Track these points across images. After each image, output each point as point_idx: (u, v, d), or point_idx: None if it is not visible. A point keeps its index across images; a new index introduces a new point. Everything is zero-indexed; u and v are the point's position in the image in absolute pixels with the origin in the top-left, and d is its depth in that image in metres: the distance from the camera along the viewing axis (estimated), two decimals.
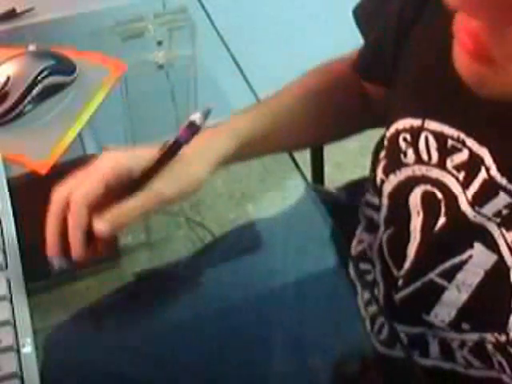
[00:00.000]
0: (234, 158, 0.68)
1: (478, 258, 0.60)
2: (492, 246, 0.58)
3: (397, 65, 0.68)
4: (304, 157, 1.01)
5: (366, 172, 0.87)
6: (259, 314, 0.71)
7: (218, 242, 0.84)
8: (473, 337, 0.63)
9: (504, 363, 0.62)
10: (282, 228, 0.83)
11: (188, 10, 0.95)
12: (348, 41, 0.79)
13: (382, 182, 0.68)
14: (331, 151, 1.08)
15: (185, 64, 0.94)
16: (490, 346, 0.62)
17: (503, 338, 0.60)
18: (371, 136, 0.93)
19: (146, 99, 0.90)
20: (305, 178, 0.81)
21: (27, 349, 0.60)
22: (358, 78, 0.77)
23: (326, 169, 1.09)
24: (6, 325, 0.61)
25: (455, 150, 0.59)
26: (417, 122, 0.63)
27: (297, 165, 0.81)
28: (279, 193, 0.88)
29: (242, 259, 0.80)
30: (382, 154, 0.70)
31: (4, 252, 0.67)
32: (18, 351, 0.60)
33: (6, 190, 0.74)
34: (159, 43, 0.93)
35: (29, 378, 0.58)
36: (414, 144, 0.63)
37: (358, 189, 0.92)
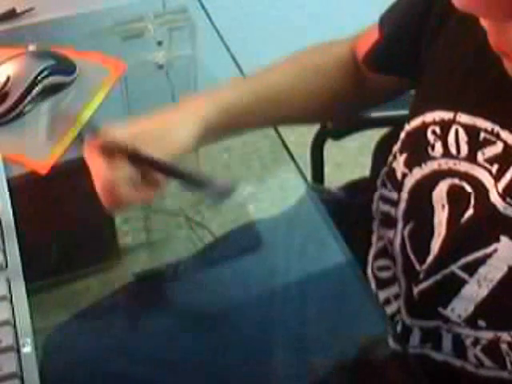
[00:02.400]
0: (219, 129, 0.69)
1: (503, 252, 0.59)
2: None
3: (421, 60, 0.68)
4: (304, 157, 1.01)
5: (366, 172, 0.87)
6: (259, 314, 0.71)
7: (219, 241, 0.84)
8: (488, 335, 0.63)
9: None
10: (283, 228, 0.83)
11: (188, 10, 0.95)
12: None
13: (404, 175, 0.68)
14: (331, 151, 1.08)
15: (185, 64, 0.93)
16: (504, 346, 0.62)
17: None
18: (371, 136, 0.94)
19: (146, 99, 0.90)
20: (305, 178, 0.81)
21: (27, 349, 0.60)
22: (357, 66, 0.77)
23: (326, 169, 1.09)
24: (6, 325, 0.61)
25: (488, 142, 0.60)
26: (448, 115, 0.63)
27: (297, 165, 0.81)
28: (279, 193, 0.88)
29: (242, 259, 0.79)
30: (397, 147, 0.69)
31: (4, 252, 0.67)
32: (18, 351, 0.60)
33: (6, 190, 0.74)
34: (159, 43, 0.93)
35: (29, 378, 0.58)
36: (443, 137, 0.63)
37: (358, 189, 0.92)
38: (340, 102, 0.79)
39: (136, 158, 0.61)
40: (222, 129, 0.69)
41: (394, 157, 0.70)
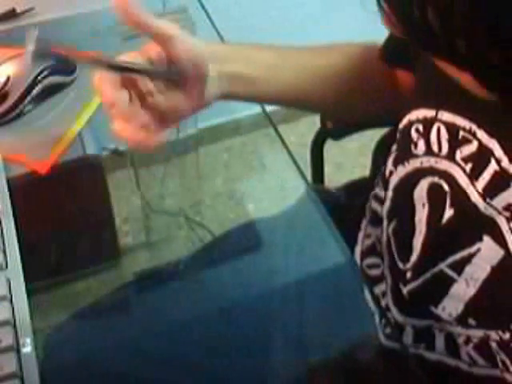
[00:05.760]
0: (243, 82, 0.69)
1: (486, 252, 0.60)
2: (500, 240, 0.58)
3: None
4: (304, 157, 1.01)
5: (366, 172, 0.87)
6: (259, 314, 0.71)
7: (218, 241, 0.84)
8: (478, 333, 0.63)
9: (508, 362, 0.61)
10: (282, 228, 0.83)
11: (188, 10, 0.95)
12: (348, 41, 0.79)
13: (391, 173, 0.69)
14: (331, 151, 1.08)
15: None
16: (493, 344, 0.62)
17: (507, 336, 0.60)
18: (371, 136, 0.94)
19: None
20: (305, 178, 0.81)
21: (27, 349, 0.60)
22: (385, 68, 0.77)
23: (326, 169, 1.09)
24: (6, 325, 0.61)
25: (466, 141, 0.60)
26: (430, 113, 0.63)
27: (297, 165, 0.81)
28: (279, 193, 0.88)
29: (242, 259, 0.80)
30: (394, 147, 0.70)
31: (4, 252, 0.67)
32: (18, 351, 0.60)
33: (6, 190, 0.74)
34: None
35: (29, 378, 0.58)
36: (426, 135, 0.64)
37: (357, 189, 0.92)
38: (372, 93, 0.79)
39: (114, 67, 0.61)
40: (246, 83, 0.70)
41: (390, 155, 0.70)
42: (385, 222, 0.70)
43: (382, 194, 0.72)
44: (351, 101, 0.80)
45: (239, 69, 0.69)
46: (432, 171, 0.63)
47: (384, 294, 0.72)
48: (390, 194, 0.69)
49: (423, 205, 0.65)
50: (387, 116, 0.81)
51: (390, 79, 0.78)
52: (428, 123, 0.63)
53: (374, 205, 0.75)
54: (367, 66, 0.78)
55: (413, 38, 0.47)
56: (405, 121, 0.67)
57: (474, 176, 0.59)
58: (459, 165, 0.61)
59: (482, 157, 0.58)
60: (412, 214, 0.66)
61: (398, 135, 0.69)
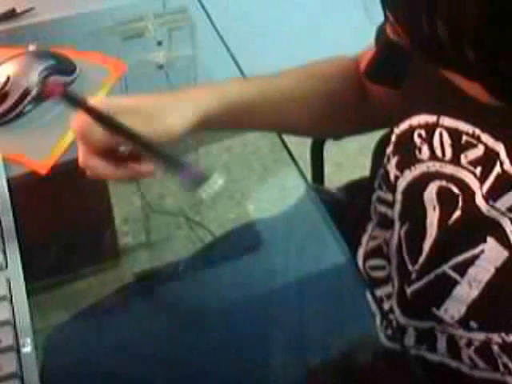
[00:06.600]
0: (217, 122, 0.68)
1: (490, 254, 0.60)
2: (504, 241, 0.59)
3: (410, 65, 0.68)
4: (304, 157, 1.01)
5: (366, 172, 0.87)
6: (259, 314, 0.71)
7: (218, 241, 0.84)
8: (479, 336, 0.63)
9: (510, 365, 0.61)
10: (282, 228, 0.83)
11: (188, 10, 0.95)
12: (347, 41, 0.80)
13: (397, 177, 0.69)
14: (331, 151, 1.08)
15: (185, 64, 0.94)
16: (495, 347, 0.62)
17: (510, 339, 0.60)
18: (371, 136, 0.93)
19: None
20: (305, 178, 0.81)
21: (27, 349, 0.60)
22: (361, 80, 0.77)
23: (326, 169, 1.09)
24: (6, 325, 0.61)
25: (470, 145, 0.60)
26: (432, 119, 0.63)
27: (297, 165, 0.81)
28: (279, 193, 0.88)
29: (242, 259, 0.80)
30: (390, 149, 0.69)
31: (4, 252, 0.67)
32: (18, 351, 0.60)
33: (6, 190, 0.74)
34: (159, 43, 0.93)
35: (29, 378, 0.58)
36: (429, 140, 0.64)
37: (357, 189, 0.92)
38: (344, 114, 0.79)
39: (111, 126, 0.60)
40: (220, 122, 0.68)
41: (388, 159, 0.70)
42: (397, 225, 0.70)
43: (388, 197, 0.72)
44: (337, 123, 0.80)
45: (222, 118, 0.68)
46: (439, 175, 0.64)
47: (389, 296, 0.72)
48: (399, 197, 0.69)
49: (434, 208, 0.65)
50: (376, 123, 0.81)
51: (364, 95, 0.79)
52: (430, 129, 0.63)
53: (381, 207, 0.75)
54: (347, 83, 0.78)
55: (421, 51, 0.47)
56: (404, 125, 0.66)
57: (482, 179, 0.59)
58: (467, 169, 0.61)
59: (489, 160, 0.58)
60: (424, 217, 0.66)
61: (394, 138, 0.69)
